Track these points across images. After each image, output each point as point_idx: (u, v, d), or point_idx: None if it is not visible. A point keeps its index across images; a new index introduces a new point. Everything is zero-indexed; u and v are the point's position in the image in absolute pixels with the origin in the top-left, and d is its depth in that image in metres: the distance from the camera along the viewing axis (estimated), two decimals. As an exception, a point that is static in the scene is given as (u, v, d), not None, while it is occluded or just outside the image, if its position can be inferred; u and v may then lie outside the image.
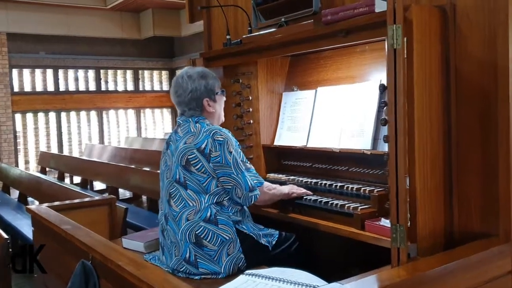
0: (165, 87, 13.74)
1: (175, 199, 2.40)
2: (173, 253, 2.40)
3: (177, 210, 2.38)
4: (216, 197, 2.38)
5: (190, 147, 2.37)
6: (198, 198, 2.35)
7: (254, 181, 2.44)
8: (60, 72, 12.02)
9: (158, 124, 13.71)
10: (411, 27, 1.88)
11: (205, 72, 2.54)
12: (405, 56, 1.85)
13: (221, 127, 2.47)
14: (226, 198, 2.40)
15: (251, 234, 2.44)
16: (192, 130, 2.43)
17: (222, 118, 2.65)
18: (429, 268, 1.63)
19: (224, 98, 2.65)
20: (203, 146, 2.35)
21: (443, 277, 1.66)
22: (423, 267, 1.64)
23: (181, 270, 2.36)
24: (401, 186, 1.75)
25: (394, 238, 1.77)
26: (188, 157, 2.36)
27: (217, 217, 2.36)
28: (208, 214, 2.34)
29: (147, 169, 7.00)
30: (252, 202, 2.43)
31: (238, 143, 2.49)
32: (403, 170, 1.75)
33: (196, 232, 2.33)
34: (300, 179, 2.85)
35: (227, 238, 2.35)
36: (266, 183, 2.54)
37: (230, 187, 2.38)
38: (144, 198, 7.28)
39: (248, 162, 2.50)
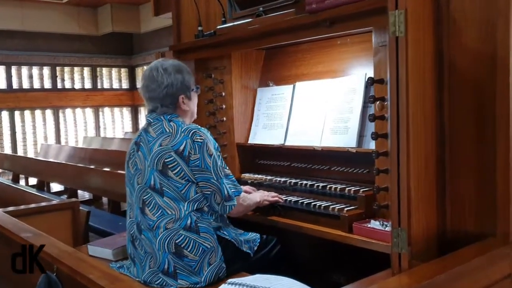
0: (124, 85, 13.38)
1: (150, 207, 2.18)
2: (146, 264, 2.19)
3: (154, 219, 2.16)
4: (196, 204, 2.19)
5: (167, 149, 2.16)
6: (176, 206, 2.16)
7: (232, 190, 2.25)
8: (13, 69, 11.51)
9: (117, 123, 13.34)
10: (406, 15, 1.75)
11: (180, 66, 2.33)
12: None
13: (199, 126, 2.26)
14: (207, 204, 2.22)
15: (232, 240, 2.27)
16: (167, 130, 2.21)
17: (195, 116, 2.45)
18: (434, 274, 1.51)
19: (198, 93, 2.46)
20: (181, 148, 2.15)
21: (448, 283, 1.54)
22: (428, 273, 1.52)
23: (155, 282, 2.16)
24: (403, 187, 1.62)
25: (395, 243, 1.64)
26: (165, 160, 2.15)
27: (198, 224, 2.17)
28: (189, 222, 2.15)
29: (108, 169, 6.72)
30: (227, 212, 2.25)
31: (217, 145, 2.29)
32: (405, 169, 1.63)
33: (176, 241, 2.13)
34: (278, 179, 2.71)
35: (209, 247, 2.17)
36: (242, 194, 2.36)
37: (209, 192, 2.19)
38: (104, 200, 7.01)
39: (227, 168, 2.30)
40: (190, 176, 2.16)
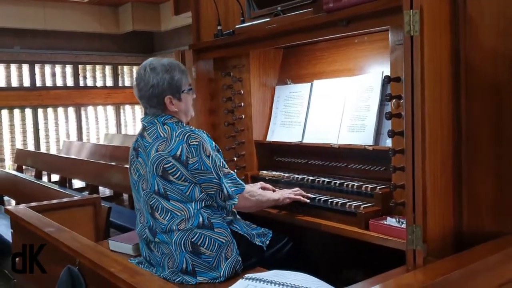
0: (145, 83, 13.46)
1: (159, 212, 2.19)
2: (165, 265, 2.21)
3: (165, 223, 2.17)
4: (204, 202, 2.20)
5: (164, 155, 2.14)
6: (184, 207, 2.16)
7: (232, 189, 2.23)
8: (37, 68, 11.70)
9: (138, 121, 13.45)
10: (421, 14, 1.76)
11: (172, 65, 2.25)
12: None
13: (193, 128, 2.22)
14: (214, 201, 2.23)
15: (245, 235, 2.30)
16: (162, 135, 2.18)
17: (192, 113, 2.37)
18: (448, 271, 1.52)
19: (194, 96, 2.37)
20: (178, 153, 2.13)
21: (463, 280, 1.55)
22: (442, 270, 1.53)
23: (175, 280, 2.18)
24: (418, 185, 1.63)
25: (410, 240, 1.66)
26: (164, 166, 2.14)
27: (212, 220, 2.20)
28: (201, 219, 2.17)
29: (128, 166, 6.81)
30: (229, 210, 2.27)
31: (214, 143, 2.27)
32: (420, 167, 1.64)
33: (192, 240, 2.15)
34: (296, 176, 2.72)
35: (224, 241, 2.20)
36: (248, 189, 2.32)
37: (213, 192, 2.20)
38: (125, 196, 7.10)
39: (226, 166, 2.28)
40: (191, 179, 2.15)
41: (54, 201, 3.28)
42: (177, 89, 2.24)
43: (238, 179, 2.29)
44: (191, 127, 2.25)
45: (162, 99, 2.22)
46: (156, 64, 2.25)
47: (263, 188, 2.56)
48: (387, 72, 2.23)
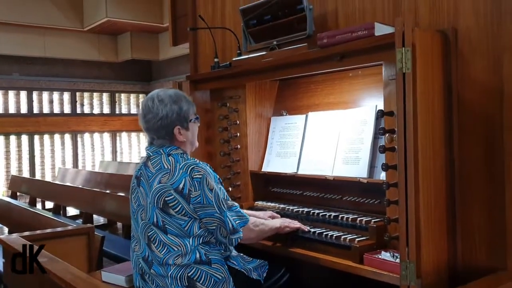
0: (142, 110, 13.51)
1: (156, 244, 2.17)
2: None
3: (161, 256, 2.15)
4: (201, 238, 2.18)
5: (167, 188, 2.13)
6: (182, 243, 2.14)
7: (237, 222, 2.21)
8: (34, 94, 11.75)
9: (134, 148, 13.47)
10: (414, 52, 1.80)
11: (178, 96, 2.26)
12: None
13: (197, 161, 2.20)
14: (213, 237, 2.21)
15: (242, 270, 2.28)
16: (166, 166, 2.17)
17: (196, 144, 2.38)
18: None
19: (198, 124, 2.39)
20: (181, 186, 2.11)
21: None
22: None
23: None
24: (411, 219, 1.64)
25: (404, 276, 1.65)
26: (166, 198, 2.12)
27: (209, 256, 2.18)
28: (198, 255, 2.15)
29: (123, 194, 6.79)
30: (235, 244, 2.24)
31: (218, 177, 2.26)
32: (413, 201, 1.65)
33: (188, 275, 2.13)
34: (290, 207, 2.73)
35: (220, 277, 2.17)
36: (252, 219, 2.31)
37: (214, 227, 2.17)
38: (119, 224, 7.06)
39: (229, 199, 2.26)
40: (191, 213, 2.13)
41: (47, 230, 3.27)
42: (185, 119, 2.25)
43: (241, 211, 2.27)
44: (195, 159, 2.23)
45: (171, 130, 2.22)
46: (164, 95, 2.25)
47: (272, 218, 2.54)
48: (381, 105, 2.26)
